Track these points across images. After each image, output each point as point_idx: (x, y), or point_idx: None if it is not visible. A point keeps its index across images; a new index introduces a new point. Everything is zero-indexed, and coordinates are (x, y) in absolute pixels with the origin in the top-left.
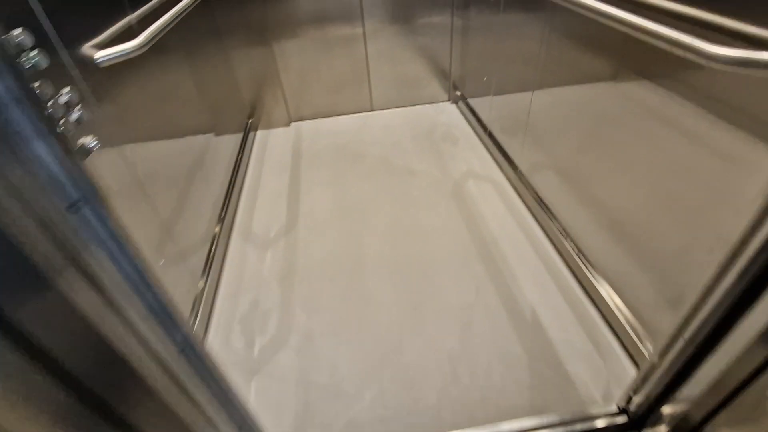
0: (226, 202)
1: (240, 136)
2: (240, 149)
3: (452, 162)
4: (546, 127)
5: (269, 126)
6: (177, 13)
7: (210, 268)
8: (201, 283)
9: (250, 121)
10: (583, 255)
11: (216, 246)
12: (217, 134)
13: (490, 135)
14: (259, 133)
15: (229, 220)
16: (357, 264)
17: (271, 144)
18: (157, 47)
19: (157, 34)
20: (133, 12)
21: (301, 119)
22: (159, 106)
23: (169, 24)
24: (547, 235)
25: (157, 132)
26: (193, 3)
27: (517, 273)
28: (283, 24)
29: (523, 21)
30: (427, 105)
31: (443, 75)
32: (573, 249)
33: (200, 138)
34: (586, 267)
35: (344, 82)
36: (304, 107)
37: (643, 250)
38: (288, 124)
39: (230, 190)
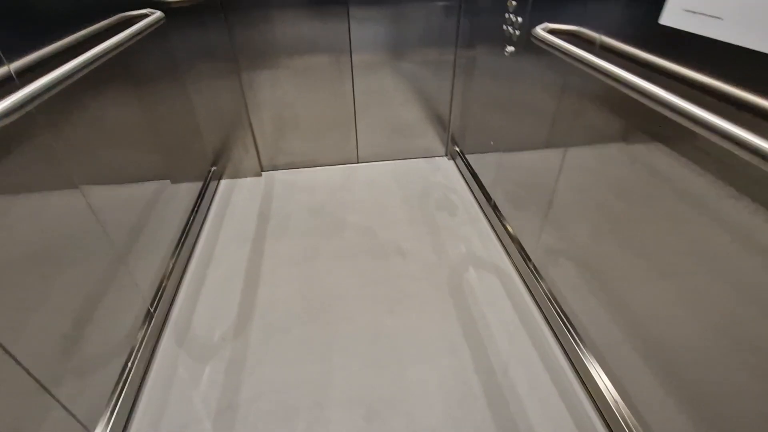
0: (164, 284)
1: (197, 189)
2: (194, 207)
3: (449, 239)
4: (572, 205)
5: (236, 175)
6: (87, 61)
7: (119, 396)
8: (100, 426)
9: (213, 169)
10: (625, 403)
11: (137, 357)
12: (169, 186)
13: (495, 207)
14: (223, 183)
15: (162, 313)
16: (320, 397)
17: (236, 199)
18: (92, 80)
19: (40, 95)
20: (14, 60)
21: (275, 168)
22: (87, 155)
23: (68, 77)
24: (573, 366)
25: (71, 187)
26: (116, 46)
27: (535, 424)
28: (254, 54)
29: (548, 68)
30: (420, 159)
31: (441, 124)
32: (610, 395)
33: (144, 194)
34: (628, 423)
35: (327, 126)
36: (279, 154)
37: (718, 409)
38: (259, 174)
39: (172, 265)
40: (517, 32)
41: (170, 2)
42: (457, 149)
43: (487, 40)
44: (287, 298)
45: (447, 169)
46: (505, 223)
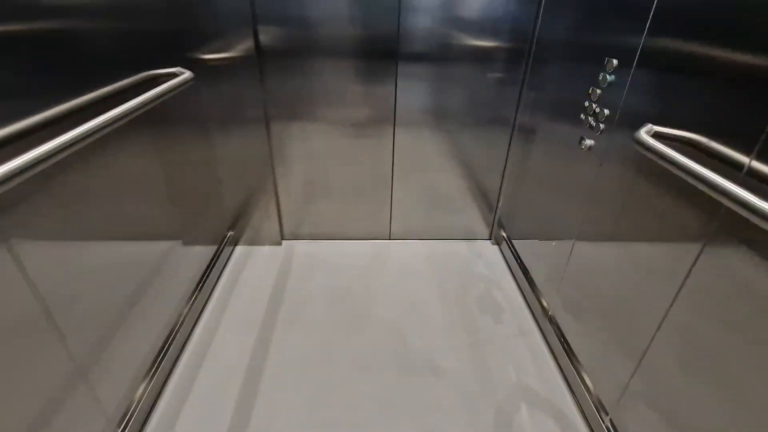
0: (141, 394)
1: (209, 256)
2: (202, 279)
3: (495, 358)
4: (686, 337)
5: (254, 242)
6: (88, 132)
7: None
8: None
9: (230, 234)
10: None
11: None
12: (179, 249)
13: (552, 320)
14: (238, 249)
15: (134, 429)
16: None
17: (249, 273)
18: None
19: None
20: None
21: (297, 237)
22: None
23: (66, 148)
24: None
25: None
26: (130, 112)
27: None
28: (287, 108)
29: (636, 161)
30: (460, 241)
31: (486, 203)
32: None
33: (148, 259)
34: None
35: (359, 193)
36: (303, 222)
37: None
38: (278, 243)
39: (158, 364)
40: (602, 125)
41: (207, 59)
42: (504, 234)
43: (555, 122)
44: (290, 421)
45: (490, 256)
46: (565, 343)
